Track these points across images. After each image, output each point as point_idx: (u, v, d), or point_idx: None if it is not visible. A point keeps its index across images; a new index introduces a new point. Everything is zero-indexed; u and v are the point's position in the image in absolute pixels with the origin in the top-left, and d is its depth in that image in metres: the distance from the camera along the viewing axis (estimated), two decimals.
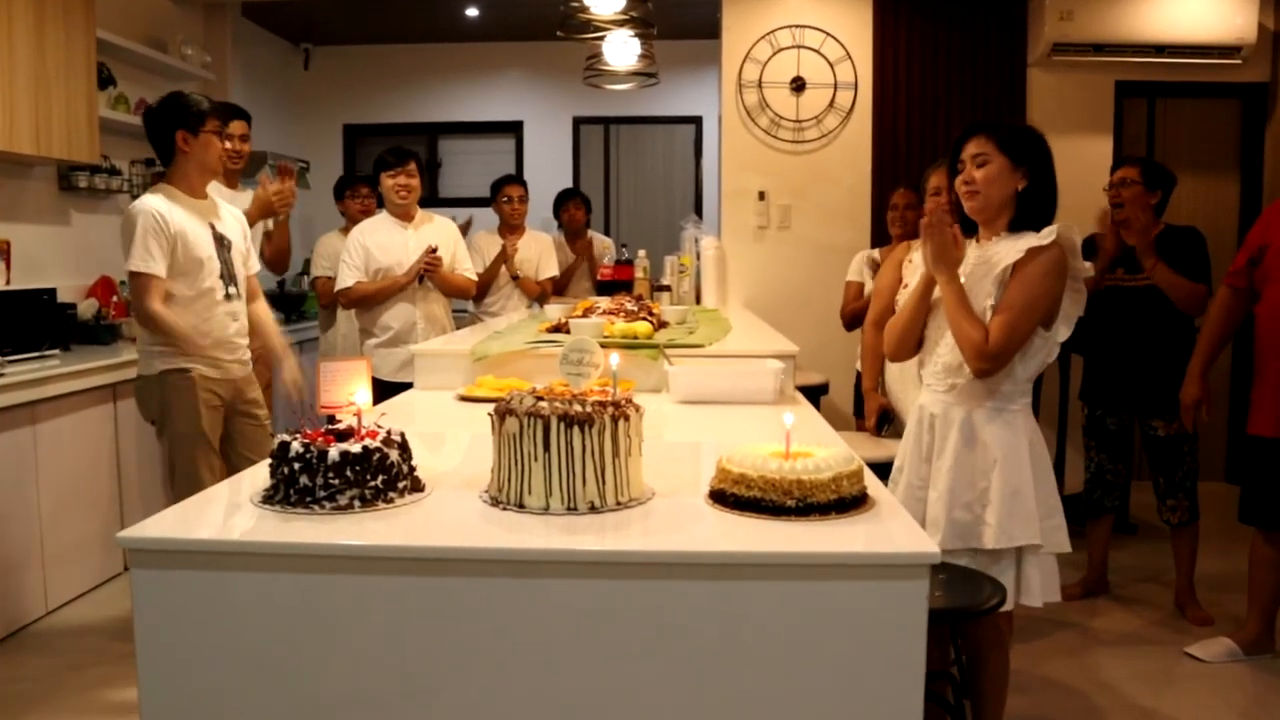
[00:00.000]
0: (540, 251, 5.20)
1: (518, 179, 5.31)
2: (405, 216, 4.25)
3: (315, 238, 5.35)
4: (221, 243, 3.24)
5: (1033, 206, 2.32)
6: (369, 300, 4.23)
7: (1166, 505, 3.74)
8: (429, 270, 4.15)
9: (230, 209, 3.41)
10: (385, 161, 4.21)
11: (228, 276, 3.24)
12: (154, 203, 3.09)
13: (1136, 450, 3.97)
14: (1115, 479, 3.88)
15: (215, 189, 3.69)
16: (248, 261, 3.40)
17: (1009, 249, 2.28)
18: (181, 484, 3.14)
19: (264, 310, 3.49)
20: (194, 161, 3.18)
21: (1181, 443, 3.68)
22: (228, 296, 3.24)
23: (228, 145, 3.67)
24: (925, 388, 2.47)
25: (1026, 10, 5.36)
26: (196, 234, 3.15)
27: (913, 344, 2.49)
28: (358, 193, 5.05)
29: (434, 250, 4.15)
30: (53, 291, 4.13)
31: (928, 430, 2.42)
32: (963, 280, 2.33)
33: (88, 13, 4.26)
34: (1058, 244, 2.24)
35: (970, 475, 2.32)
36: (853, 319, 4.30)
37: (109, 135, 4.76)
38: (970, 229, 2.44)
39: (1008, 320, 2.23)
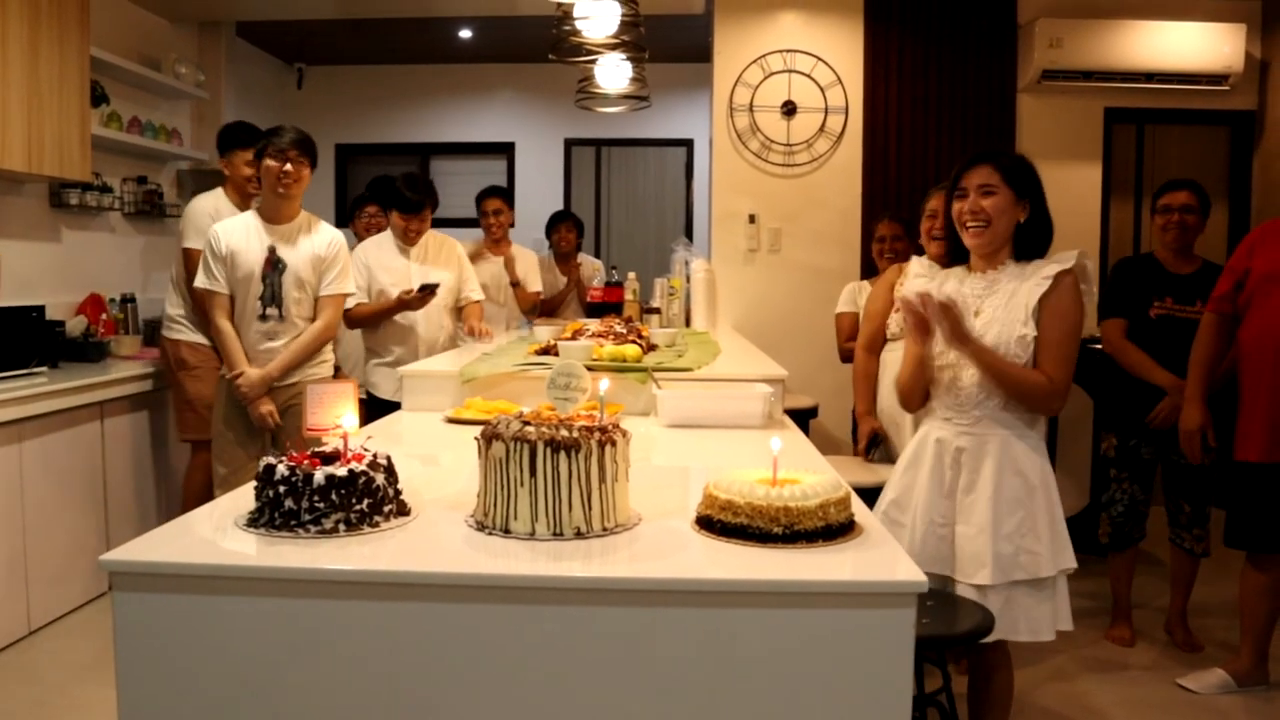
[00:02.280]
0: (526, 267, 5.18)
1: (497, 191, 5.20)
2: (409, 242, 4.28)
3: None
4: (275, 265, 3.52)
5: (1032, 238, 2.35)
6: (368, 321, 4.23)
7: (1192, 534, 3.70)
8: (410, 305, 4.10)
9: (320, 234, 3.64)
10: (406, 202, 4.16)
11: (269, 297, 3.54)
12: (216, 227, 3.58)
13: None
14: (1145, 510, 3.78)
15: (226, 205, 4.15)
16: (315, 284, 3.61)
17: (1032, 279, 2.30)
18: (215, 476, 3.71)
19: (305, 334, 3.61)
20: (264, 185, 3.57)
21: (1210, 471, 3.62)
22: (263, 316, 3.55)
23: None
24: (943, 422, 2.42)
25: (1016, 37, 5.40)
26: (246, 254, 3.51)
27: (920, 397, 2.49)
28: (364, 213, 5.04)
29: (423, 290, 4.09)
30: (41, 308, 4.11)
31: (952, 465, 2.38)
32: (988, 314, 2.33)
33: (82, 30, 4.27)
34: (1075, 270, 2.29)
35: (1009, 505, 2.30)
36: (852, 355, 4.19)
37: (101, 153, 4.76)
38: (962, 257, 2.45)
39: (1062, 354, 2.27)
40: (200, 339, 4.13)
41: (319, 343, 3.67)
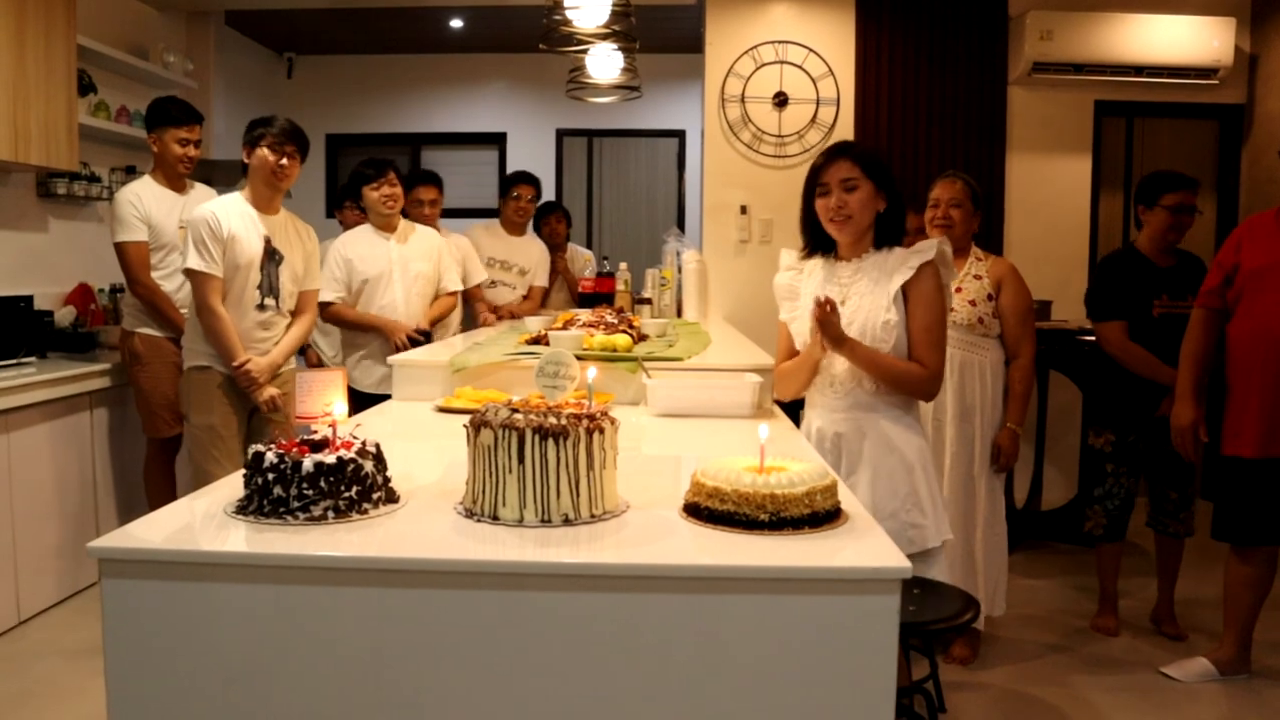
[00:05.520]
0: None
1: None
2: (388, 228, 4.21)
3: None
4: (272, 256, 3.46)
5: (890, 226, 2.47)
6: (345, 325, 4.21)
7: (1179, 519, 3.73)
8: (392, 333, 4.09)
9: (300, 228, 3.63)
10: (365, 175, 4.15)
11: (267, 287, 3.47)
12: (213, 208, 3.41)
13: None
14: (1134, 501, 3.79)
15: (154, 190, 3.94)
16: (302, 278, 3.61)
17: (894, 266, 2.40)
18: (194, 475, 3.48)
19: (295, 327, 3.63)
20: (252, 172, 3.45)
21: (1196, 462, 3.58)
22: (261, 306, 3.48)
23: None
24: (821, 410, 2.53)
25: (1007, 29, 5.41)
26: (246, 241, 3.40)
27: (803, 391, 2.61)
28: (356, 204, 4.97)
29: (418, 336, 4.09)
30: (29, 299, 4.10)
31: (832, 450, 2.47)
32: (854, 301, 2.42)
33: (69, 19, 4.25)
34: (935, 259, 2.40)
35: (890, 483, 2.40)
36: None
37: (88, 142, 4.74)
38: (827, 247, 2.53)
39: (933, 339, 2.40)
40: (151, 330, 3.94)
41: (308, 335, 3.76)
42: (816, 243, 2.54)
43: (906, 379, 2.40)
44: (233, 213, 3.40)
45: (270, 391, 3.49)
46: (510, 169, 7.79)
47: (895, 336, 2.38)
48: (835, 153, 2.45)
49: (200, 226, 3.34)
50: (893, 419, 2.43)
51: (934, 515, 2.41)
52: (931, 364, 2.39)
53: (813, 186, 2.47)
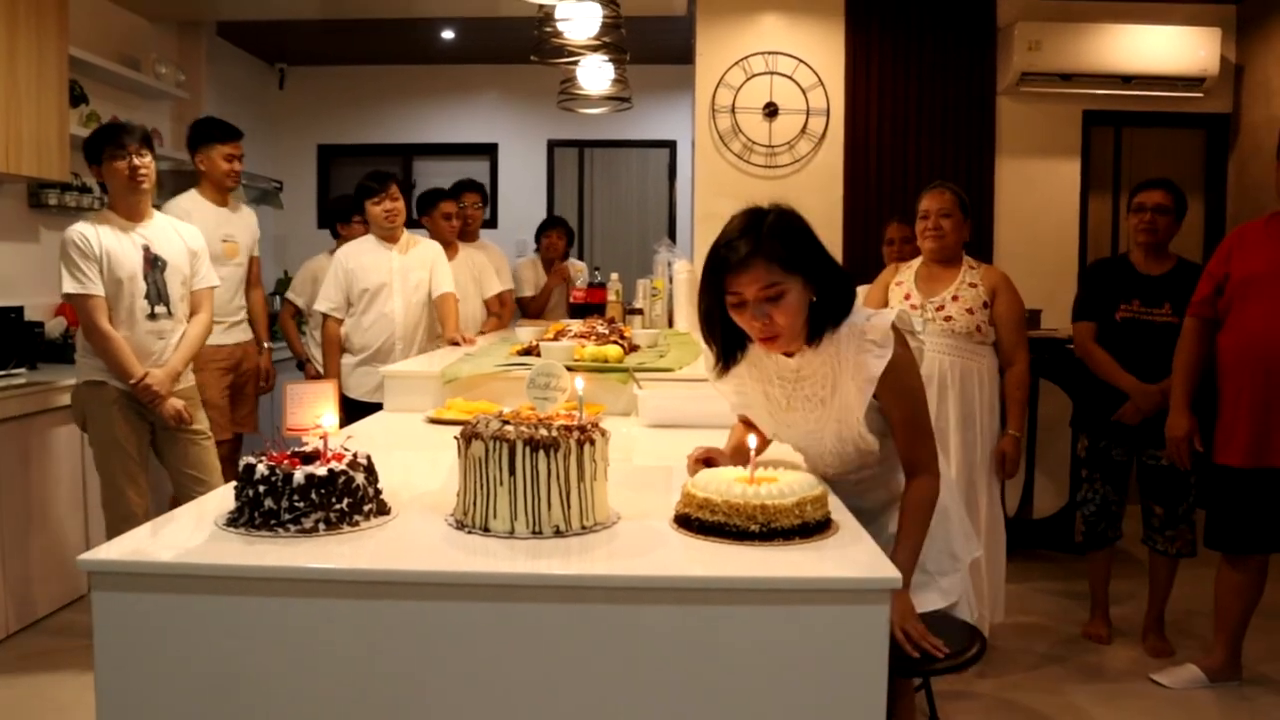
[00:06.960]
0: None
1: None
2: (391, 239, 4.24)
3: (289, 257, 5.22)
4: (155, 264, 3.39)
5: (829, 306, 1.92)
6: (329, 347, 4.25)
7: (1165, 536, 3.65)
8: None
9: (182, 229, 3.53)
10: (369, 189, 4.19)
11: (154, 296, 3.38)
12: (80, 228, 3.29)
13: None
14: (1119, 510, 3.76)
15: (200, 205, 3.97)
16: (190, 280, 3.51)
17: (851, 362, 1.91)
18: (105, 490, 3.40)
19: (193, 328, 3.51)
20: (111, 187, 3.38)
21: (1186, 474, 3.53)
22: (153, 316, 3.39)
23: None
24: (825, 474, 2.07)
25: (996, 40, 5.45)
26: (123, 255, 3.31)
27: None
28: (363, 218, 4.95)
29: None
30: (20, 309, 4.09)
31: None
32: (817, 416, 1.98)
33: (60, 29, 4.25)
34: (898, 339, 1.91)
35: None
36: None
37: (80, 153, 4.71)
38: (744, 345, 2.01)
39: (919, 433, 1.95)
40: None
41: (206, 337, 3.60)
42: (730, 349, 2.00)
43: (926, 504, 1.95)
44: (102, 229, 3.31)
45: (175, 404, 3.39)
46: (502, 180, 7.86)
47: (875, 451, 1.97)
48: (744, 256, 1.85)
49: (68, 248, 3.24)
50: (885, 504, 2.09)
51: (935, 574, 2.07)
52: (924, 460, 1.95)
53: (716, 289, 1.91)
